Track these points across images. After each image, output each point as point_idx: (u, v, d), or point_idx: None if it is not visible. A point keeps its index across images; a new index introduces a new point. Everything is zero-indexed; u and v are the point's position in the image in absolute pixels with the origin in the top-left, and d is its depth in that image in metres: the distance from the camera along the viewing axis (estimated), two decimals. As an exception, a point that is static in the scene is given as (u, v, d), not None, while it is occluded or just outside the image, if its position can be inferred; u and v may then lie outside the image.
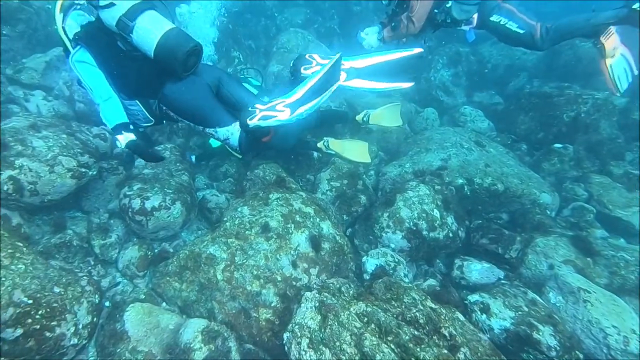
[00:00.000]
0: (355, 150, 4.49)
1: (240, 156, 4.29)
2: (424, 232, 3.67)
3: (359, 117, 4.58)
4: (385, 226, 3.75)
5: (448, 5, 3.39)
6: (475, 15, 3.44)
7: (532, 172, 4.54)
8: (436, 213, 3.77)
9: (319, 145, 4.30)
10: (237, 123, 2.66)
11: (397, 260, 3.49)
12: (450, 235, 3.74)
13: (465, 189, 4.21)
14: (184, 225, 3.75)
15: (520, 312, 2.71)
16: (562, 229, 3.88)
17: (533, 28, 3.30)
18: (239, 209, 3.58)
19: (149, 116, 2.70)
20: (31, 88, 4.55)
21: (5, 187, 3.05)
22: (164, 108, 2.66)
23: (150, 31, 2.29)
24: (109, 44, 2.48)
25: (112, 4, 2.34)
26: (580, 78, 5.93)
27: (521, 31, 3.32)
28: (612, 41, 3.22)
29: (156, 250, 3.60)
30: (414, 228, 3.68)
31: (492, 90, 6.81)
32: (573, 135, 5.05)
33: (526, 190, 4.14)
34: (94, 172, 3.55)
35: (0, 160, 2.99)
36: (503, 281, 3.25)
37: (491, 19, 3.39)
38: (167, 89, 2.54)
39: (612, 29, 3.22)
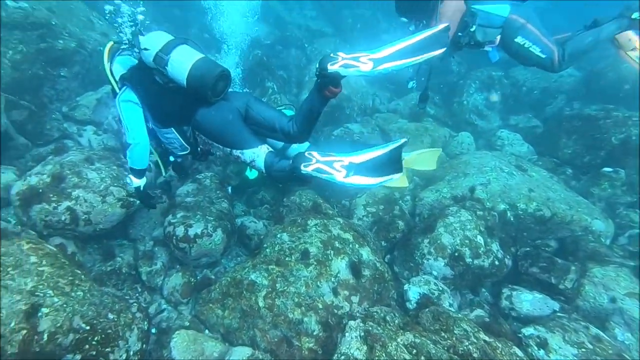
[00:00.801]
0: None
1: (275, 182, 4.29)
2: (468, 259, 3.55)
3: None
4: (427, 253, 3.66)
5: (472, 30, 3.41)
6: (499, 36, 3.44)
7: (581, 197, 4.33)
8: (480, 239, 3.65)
9: None
10: (264, 146, 2.71)
11: (440, 288, 3.37)
12: (496, 262, 3.59)
13: (508, 215, 4.06)
14: (224, 251, 3.80)
15: (583, 349, 2.51)
16: (621, 258, 3.63)
17: (553, 53, 3.29)
18: (279, 236, 3.60)
19: (184, 143, 2.85)
20: (83, 124, 4.87)
21: (63, 217, 3.24)
22: (197, 133, 2.81)
23: (182, 62, 2.52)
24: (149, 80, 2.72)
25: (150, 40, 2.62)
26: (623, 100, 5.71)
27: (543, 56, 3.31)
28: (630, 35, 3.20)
29: (199, 277, 3.64)
30: (457, 255, 3.56)
31: (529, 113, 6.66)
32: (623, 159, 4.80)
33: (576, 217, 3.93)
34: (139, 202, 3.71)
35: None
36: (559, 314, 3.05)
37: (516, 40, 3.36)
38: (199, 115, 2.69)
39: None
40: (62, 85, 5.07)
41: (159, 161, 3.21)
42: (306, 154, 2.47)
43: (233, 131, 2.69)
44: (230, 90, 2.83)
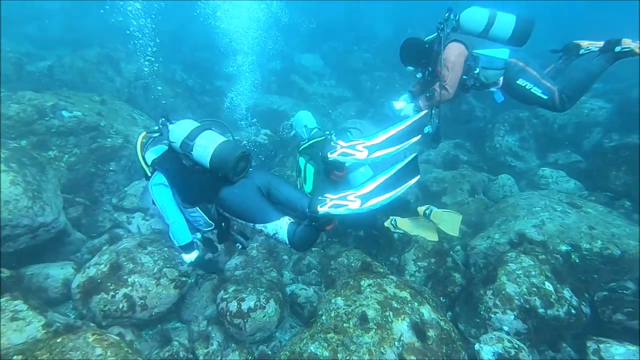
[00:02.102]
0: (431, 227, 4.27)
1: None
2: (540, 310, 3.26)
3: (420, 209, 4.35)
4: (492, 306, 3.40)
5: (476, 72, 3.58)
6: (501, 78, 3.59)
7: (650, 230, 4.02)
8: (548, 286, 3.38)
9: (386, 224, 4.21)
10: (285, 218, 2.81)
11: (517, 345, 3.06)
12: (573, 311, 3.27)
13: (572, 257, 3.79)
14: (278, 323, 3.67)
15: None
16: None
17: (554, 94, 3.40)
18: (333, 301, 3.46)
19: (208, 220, 2.97)
20: (132, 212, 5.14)
21: (120, 305, 3.30)
22: (220, 210, 2.95)
23: (206, 146, 2.74)
24: (177, 163, 2.95)
25: (178, 128, 2.88)
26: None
27: (545, 97, 3.43)
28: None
29: (256, 355, 3.49)
30: (527, 306, 3.29)
31: (567, 149, 6.50)
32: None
33: (650, 253, 3.62)
34: (192, 280, 3.76)
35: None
36: (662, 366, 2.67)
37: (517, 82, 3.52)
38: (222, 193, 2.85)
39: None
40: (111, 178, 5.49)
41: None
42: (319, 197, 2.65)
43: (254, 207, 2.81)
44: (252, 169, 3.01)
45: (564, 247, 3.84)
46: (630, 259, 3.67)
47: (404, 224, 4.16)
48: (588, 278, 3.75)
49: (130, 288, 3.39)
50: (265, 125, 7.46)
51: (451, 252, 4.37)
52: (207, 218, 2.94)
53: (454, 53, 3.54)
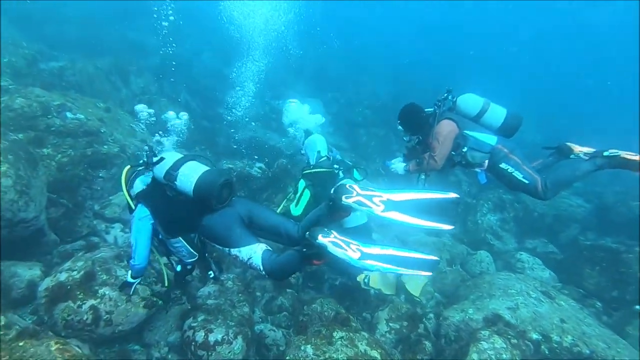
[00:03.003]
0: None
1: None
2: (506, 397, 3.24)
3: (360, 278, 4.39)
4: (461, 384, 3.36)
5: (464, 150, 3.84)
6: (487, 161, 3.86)
7: (617, 336, 4.13)
8: (518, 373, 3.39)
9: (358, 279, 4.25)
10: (262, 244, 2.79)
11: None
12: (537, 404, 3.26)
13: (542, 347, 3.82)
14: (242, 363, 3.52)
15: None
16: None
17: (536, 181, 3.64)
18: (302, 348, 3.37)
19: (192, 250, 2.96)
20: (112, 222, 5.00)
21: (85, 317, 3.12)
22: (202, 238, 2.94)
23: (189, 175, 2.77)
24: (160, 194, 2.94)
25: (162, 159, 2.92)
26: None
27: (526, 182, 3.67)
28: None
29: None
30: (495, 391, 3.27)
31: (544, 238, 6.78)
32: (654, 297, 4.72)
33: (617, 358, 3.70)
34: (161, 302, 3.61)
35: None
36: None
37: (500, 166, 3.79)
38: (204, 220, 2.83)
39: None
40: (98, 185, 5.37)
41: (164, 273, 3.26)
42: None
43: (231, 231, 2.79)
44: (235, 197, 3.04)
45: (535, 335, 3.88)
46: (597, 361, 3.73)
47: (374, 281, 4.23)
48: (556, 373, 3.77)
49: (99, 300, 3.22)
50: (260, 158, 7.59)
51: (424, 319, 4.37)
52: (190, 248, 2.92)
53: (446, 129, 3.82)
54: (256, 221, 2.94)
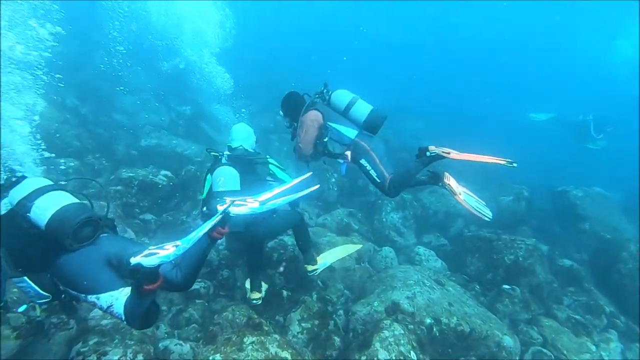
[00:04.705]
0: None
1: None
2: (404, 378, 3.57)
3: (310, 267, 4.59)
4: (365, 372, 3.61)
5: (325, 140, 4.11)
6: (349, 153, 4.11)
7: (490, 313, 4.84)
8: (413, 356, 3.75)
9: (310, 269, 4.42)
10: (127, 288, 2.40)
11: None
12: (430, 381, 3.66)
13: (434, 330, 4.30)
14: (144, 383, 3.28)
15: None
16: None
17: (385, 180, 3.94)
18: (211, 358, 3.30)
19: (41, 292, 2.53)
20: None
21: None
22: (55, 279, 2.54)
23: (45, 208, 2.41)
24: (14, 225, 2.51)
25: (18, 182, 2.56)
26: (507, 226, 6.95)
27: (378, 180, 3.98)
28: (453, 181, 3.75)
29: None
30: (393, 374, 3.58)
31: (437, 232, 7.61)
32: (517, 278, 5.64)
33: (489, 332, 4.33)
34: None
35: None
36: None
37: (361, 161, 4.08)
38: (59, 260, 2.48)
39: (447, 173, 3.79)
40: None
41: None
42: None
43: (89, 275, 2.44)
44: (107, 235, 2.69)
45: (428, 320, 4.35)
46: (476, 337, 4.32)
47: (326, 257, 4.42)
48: (444, 351, 4.26)
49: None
50: (167, 166, 7.17)
51: (334, 316, 4.58)
52: (38, 289, 2.49)
53: (310, 118, 4.03)
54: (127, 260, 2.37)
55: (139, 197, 6.22)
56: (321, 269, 4.52)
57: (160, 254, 2.05)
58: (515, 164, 3.34)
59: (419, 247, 6.58)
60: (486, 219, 3.72)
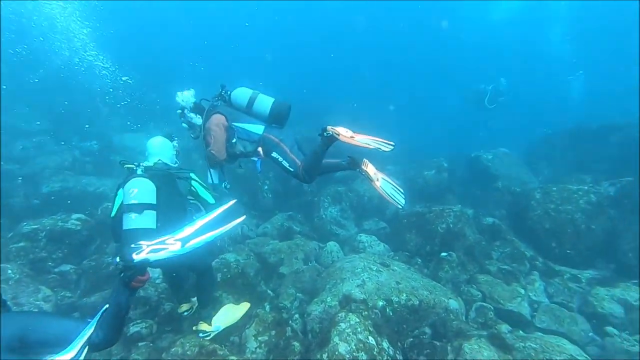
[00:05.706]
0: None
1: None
2: (367, 365, 3.62)
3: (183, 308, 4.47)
4: (329, 369, 3.59)
5: (233, 141, 4.08)
6: (261, 149, 4.11)
7: (435, 282, 5.13)
8: (371, 340, 3.82)
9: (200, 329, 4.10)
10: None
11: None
12: (390, 360, 3.77)
13: (387, 310, 4.44)
14: None
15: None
16: (477, 330, 4.30)
17: (298, 168, 3.98)
18: (166, 401, 3.04)
19: None
20: None
21: None
22: None
23: None
24: None
25: None
26: (435, 197, 7.45)
27: (291, 169, 4.03)
28: (371, 168, 3.86)
29: None
30: (357, 363, 3.61)
31: (375, 217, 7.90)
32: (451, 243, 6.06)
33: (436, 300, 4.59)
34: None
35: None
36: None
37: (272, 155, 4.11)
38: None
39: (365, 160, 3.88)
40: None
41: None
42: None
43: None
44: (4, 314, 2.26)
45: (380, 303, 4.47)
46: (425, 307, 4.54)
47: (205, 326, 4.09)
48: (399, 328, 4.41)
49: None
50: (78, 209, 6.48)
51: (290, 322, 4.51)
52: None
53: (213, 122, 4.00)
54: (32, 337, 2.14)
55: (49, 249, 5.55)
56: (215, 333, 4.11)
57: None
58: (393, 144, 3.59)
59: (361, 234, 6.77)
60: (399, 206, 3.88)
